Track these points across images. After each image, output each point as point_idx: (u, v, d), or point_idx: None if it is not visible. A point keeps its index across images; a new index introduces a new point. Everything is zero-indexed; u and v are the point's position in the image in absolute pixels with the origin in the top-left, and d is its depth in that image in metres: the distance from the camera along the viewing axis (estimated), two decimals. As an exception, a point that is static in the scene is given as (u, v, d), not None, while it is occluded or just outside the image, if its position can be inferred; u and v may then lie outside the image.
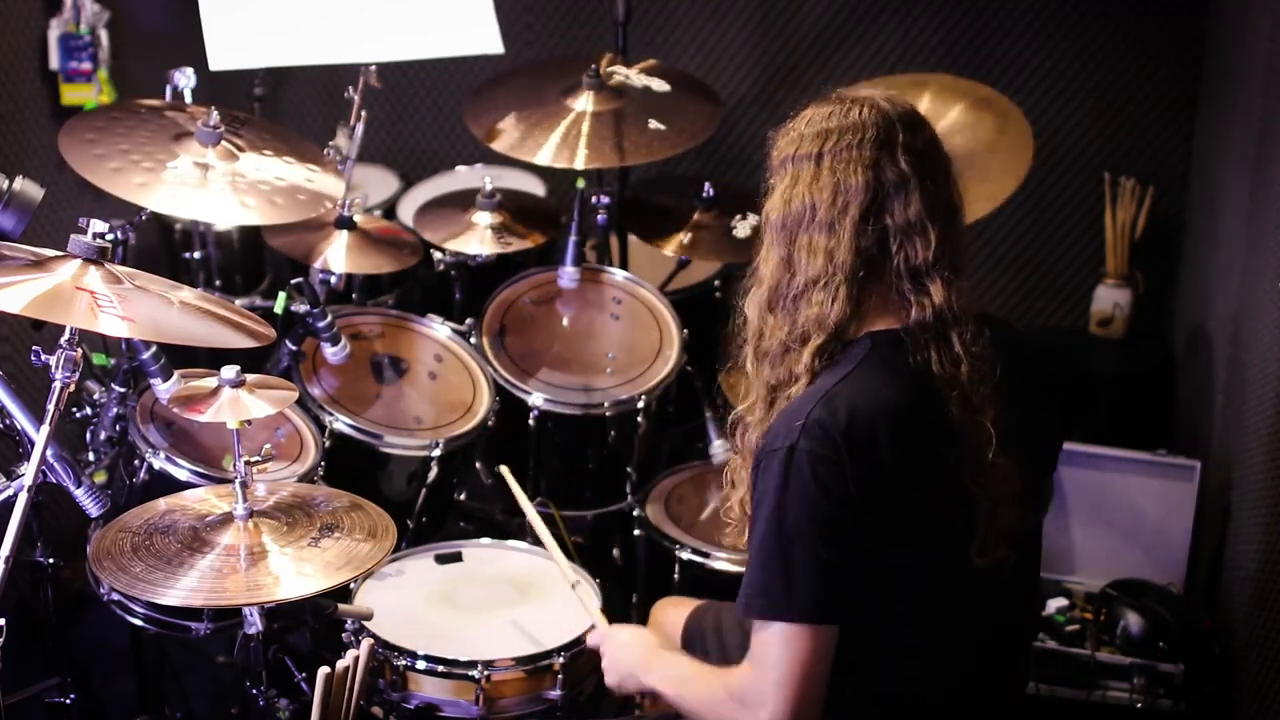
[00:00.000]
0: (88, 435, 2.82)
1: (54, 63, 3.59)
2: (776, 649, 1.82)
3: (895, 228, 1.87)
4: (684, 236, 3.37)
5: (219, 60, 3.31)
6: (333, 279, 3.16)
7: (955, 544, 1.88)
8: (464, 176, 4.27)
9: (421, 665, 2.50)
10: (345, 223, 3.16)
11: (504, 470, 2.77)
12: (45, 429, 2.06)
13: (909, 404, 1.85)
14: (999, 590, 1.95)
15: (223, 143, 2.74)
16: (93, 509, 2.23)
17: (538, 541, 2.72)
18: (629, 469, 3.19)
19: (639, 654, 2.18)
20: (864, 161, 1.87)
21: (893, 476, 1.81)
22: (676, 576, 2.96)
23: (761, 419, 1.94)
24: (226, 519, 2.28)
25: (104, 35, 3.64)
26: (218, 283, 3.80)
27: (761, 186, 2.00)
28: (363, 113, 3.25)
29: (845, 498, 1.79)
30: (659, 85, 3.38)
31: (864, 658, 1.90)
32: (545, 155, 3.19)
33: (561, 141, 3.21)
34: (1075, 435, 3.38)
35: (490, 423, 3.09)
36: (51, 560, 2.65)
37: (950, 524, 1.87)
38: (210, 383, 2.27)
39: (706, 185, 3.40)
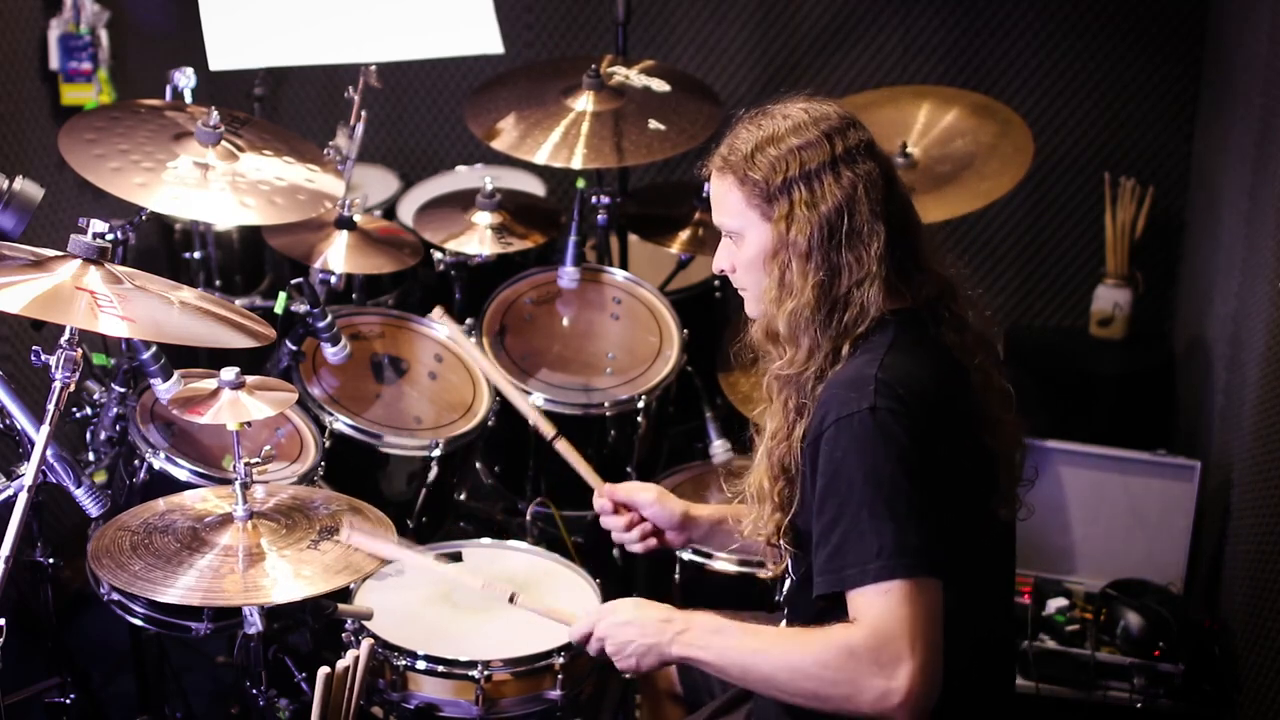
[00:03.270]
0: (88, 435, 2.82)
1: (54, 63, 3.59)
2: (902, 608, 1.74)
3: (898, 208, 1.93)
4: (686, 235, 3.39)
5: (219, 60, 3.31)
6: (333, 279, 3.16)
7: (986, 500, 1.92)
8: (464, 176, 4.27)
9: (421, 665, 2.50)
10: (345, 223, 3.16)
11: None
12: (45, 429, 2.06)
13: (940, 371, 1.89)
14: (1012, 543, 2.02)
15: (223, 143, 2.73)
16: (93, 509, 2.23)
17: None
18: (629, 469, 3.19)
19: (653, 624, 1.96)
20: (868, 153, 1.92)
21: (944, 439, 1.84)
22: (677, 577, 2.95)
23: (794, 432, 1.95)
24: (226, 520, 2.28)
25: (104, 35, 3.63)
26: (218, 283, 3.79)
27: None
28: (363, 113, 3.25)
29: (928, 451, 1.80)
30: (659, 85, 3.38)
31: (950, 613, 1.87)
32: (543, 154, 3.19)
33: (560, 141, 3.21)
34: (1076, 435, 3.38)
35: (490, 423, 3.09)
36: (51, 560, 2.64)
37: (981, 480, 1.92)
38: (210, 384, 2.27)
39: (706, 185, 3.40)
